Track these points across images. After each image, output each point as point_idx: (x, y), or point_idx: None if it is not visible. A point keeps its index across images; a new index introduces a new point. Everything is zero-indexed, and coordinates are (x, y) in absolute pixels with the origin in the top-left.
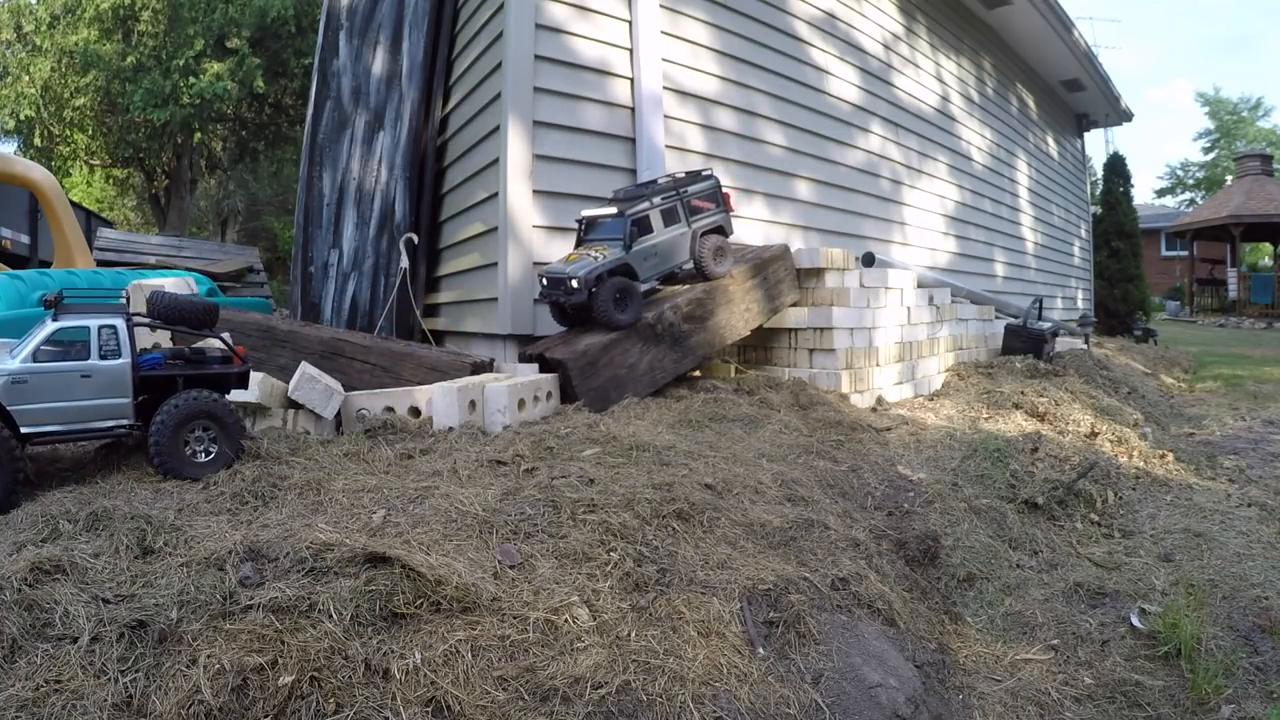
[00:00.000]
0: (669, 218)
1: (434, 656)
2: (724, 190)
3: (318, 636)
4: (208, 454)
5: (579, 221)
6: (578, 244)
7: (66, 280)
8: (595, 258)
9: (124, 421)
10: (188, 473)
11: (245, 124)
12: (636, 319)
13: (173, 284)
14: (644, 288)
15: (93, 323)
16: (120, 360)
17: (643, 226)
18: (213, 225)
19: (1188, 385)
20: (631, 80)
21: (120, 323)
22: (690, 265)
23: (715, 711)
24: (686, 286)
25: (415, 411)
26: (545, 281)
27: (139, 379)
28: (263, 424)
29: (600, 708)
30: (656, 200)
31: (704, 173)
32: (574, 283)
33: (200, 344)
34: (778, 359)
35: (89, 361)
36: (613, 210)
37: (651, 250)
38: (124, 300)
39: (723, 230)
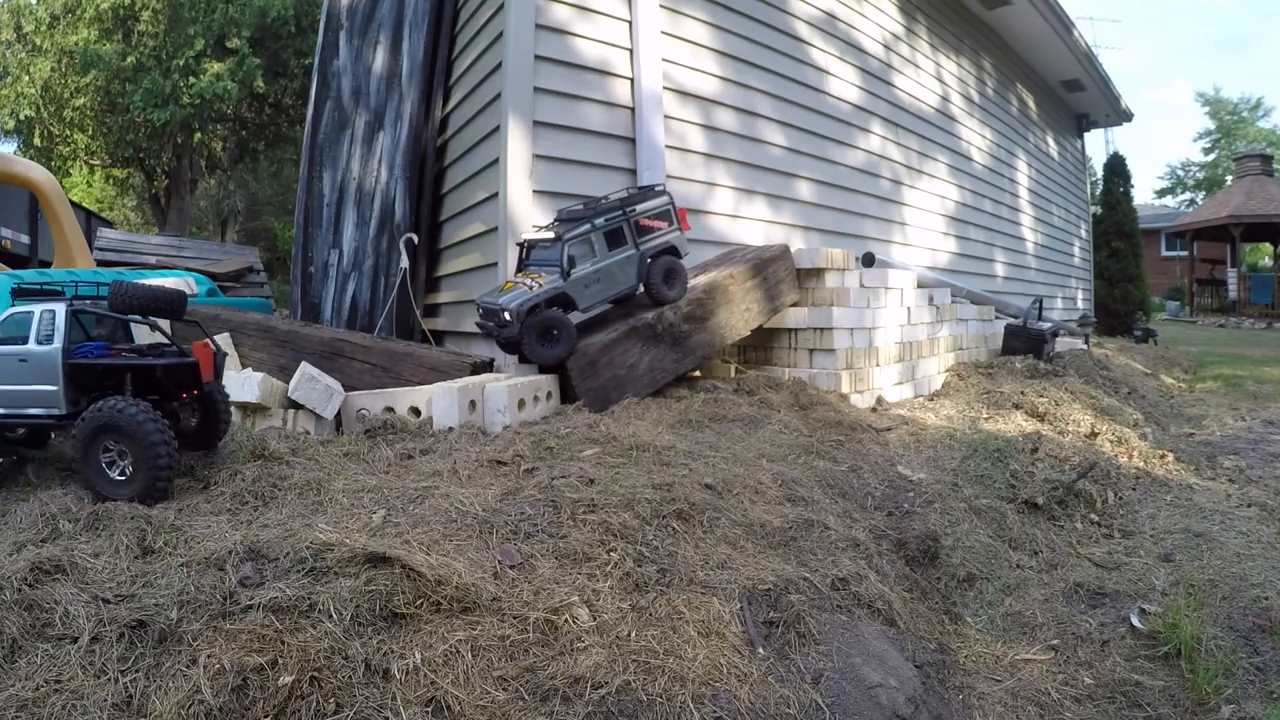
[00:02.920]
0: (613, 240)
1: (434, 656)
2: (679, 207)
3: (318, 636)
4: (123, 474)
5: (519, 245)
6: (518, 269)
7: (67, 280)
8: (530, 286)
9: (54, 411)
10: (103, 491)
11: (245, 124)
12: (570, 352)
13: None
14: (584, 318)
15: (37, 308)
16: (52, 345)
17: (583, 252)
18: (213, 225)
19: (1188, 385)
20: (632, 80)
21: (60, 307)
22: (641, 289)
23: (715, 711)
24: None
25: (415, 411)
26: (481, 312)
27: (72, 366)
28: (263, 424)
29: (600, 708)
30: (599, 222)
31: (656, 188)
32: (506, 315)
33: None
34: (778, 359)
35: (26, 346)
36: (550, 235)
37: (593, 276)
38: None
39: (675, 250)
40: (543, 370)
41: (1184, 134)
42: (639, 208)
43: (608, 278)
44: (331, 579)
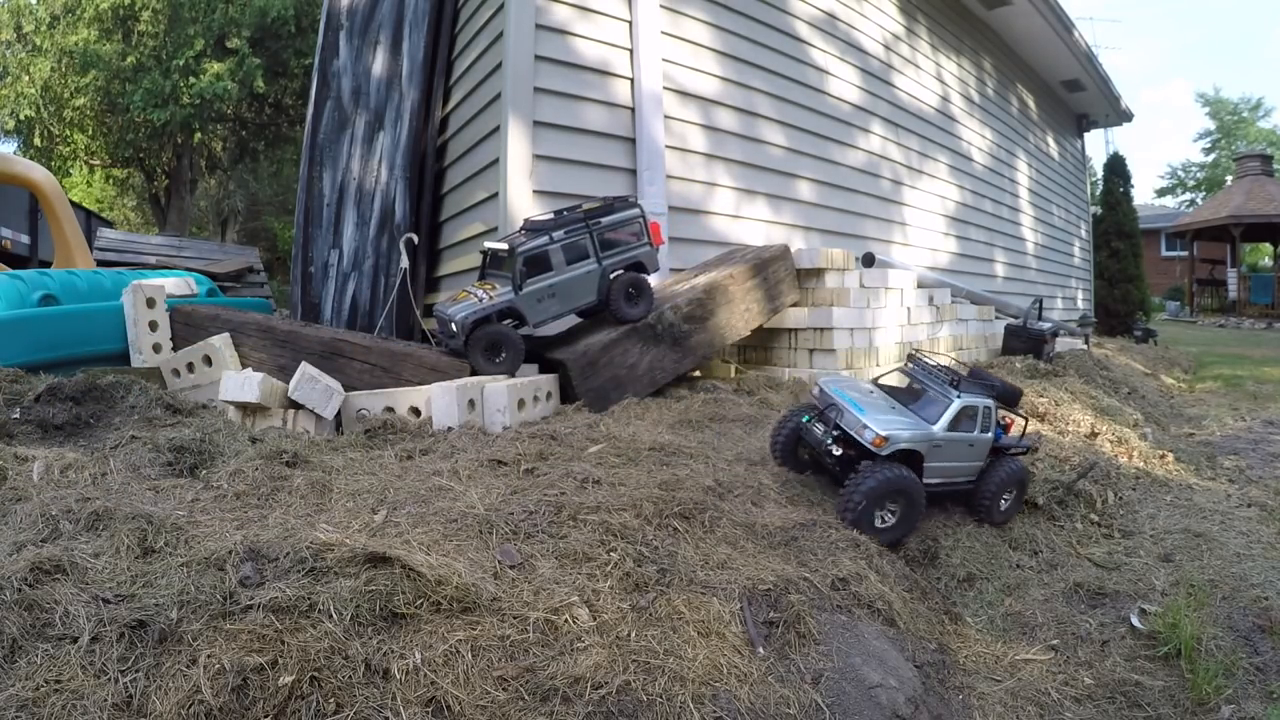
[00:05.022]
0: (573, 253)
1: (434, 656)
2: (651, 221)
3: (318, 636)
4: (1007, 505)
5: (482, 253)
6: (480, 277)
7: (66, 280)
8: (481, 298)
9: (971, 479)
10: (994, 519)
11: (245, 124)
12: (517, 366)
13: (173, 284)
14: (539, 331)
15: (981, 403)
16: (989, 434)
17: (538, 264)
18: (213, 225)
19: (1188, 385)
20: (632, 80)
21: (992, 403)
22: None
23: (715, 711)
24: (687, 286)
25: (415, 411)
26: (436, 321)
27: (994, 448)
28: (263, 424)
29: (600, 708)
30: (557, 235)
31: (629, 199)
32: (454, 326)
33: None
34: (778, 359)
35: (974, 434)
36: (505, 245)
37: (548, 291)
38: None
39: (643, 266)
40: (543, 370)
41: (1184, 134)
42: (604, 221)
43: (565, 292)
44: (331, 579)
